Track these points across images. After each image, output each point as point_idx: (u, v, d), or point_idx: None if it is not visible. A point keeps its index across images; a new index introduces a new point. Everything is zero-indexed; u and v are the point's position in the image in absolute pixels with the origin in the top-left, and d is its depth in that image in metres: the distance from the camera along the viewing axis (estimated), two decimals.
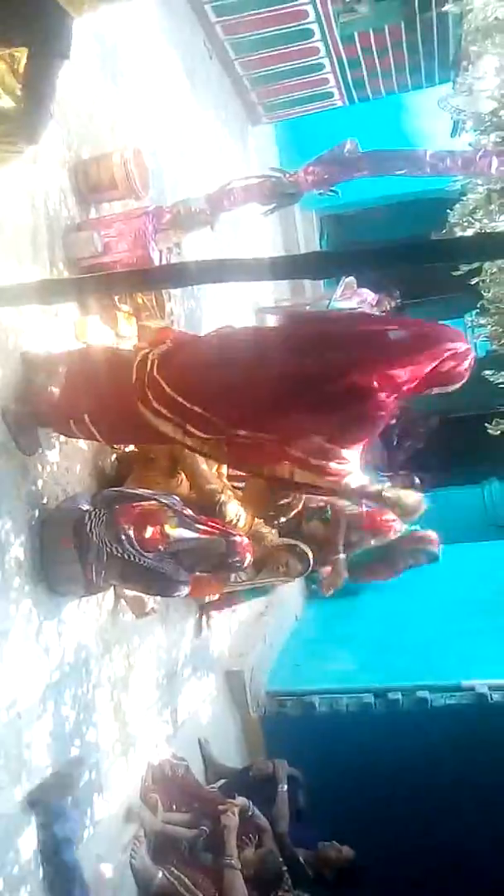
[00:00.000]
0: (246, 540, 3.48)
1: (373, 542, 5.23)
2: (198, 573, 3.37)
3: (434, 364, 2.60)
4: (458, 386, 2.73)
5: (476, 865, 5.12)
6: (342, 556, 5.04)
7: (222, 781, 4.55)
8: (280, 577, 4.45)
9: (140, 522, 3.13)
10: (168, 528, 3.19)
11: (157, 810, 3.81)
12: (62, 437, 3.40)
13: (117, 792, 3.64)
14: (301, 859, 4.23)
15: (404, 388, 2.60)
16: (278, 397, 2.62)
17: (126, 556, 3.07)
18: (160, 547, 3.14)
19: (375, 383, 2.54)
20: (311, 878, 4.21)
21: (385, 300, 7.36)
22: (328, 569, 5.19)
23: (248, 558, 3.48)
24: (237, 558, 3.38)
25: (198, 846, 3.81)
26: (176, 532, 3.21)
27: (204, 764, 4.73)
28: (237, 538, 3.40)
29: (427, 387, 2.69)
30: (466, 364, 2.68)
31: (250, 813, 4.07)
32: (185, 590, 3.35)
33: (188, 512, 3.34)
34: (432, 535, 6.14)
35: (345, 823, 4.51)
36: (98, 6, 2.25)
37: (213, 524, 3.42)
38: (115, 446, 3.70)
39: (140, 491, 3.41)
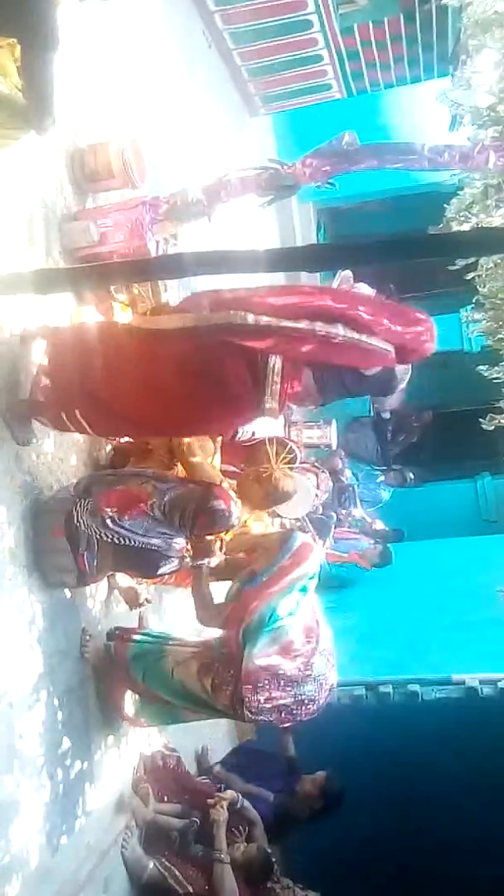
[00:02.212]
0: (227, 491, 3.42)
1: None
2: (186, 534, 3.29)
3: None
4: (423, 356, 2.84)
5: (464, 853, 5.16)
6: None
7: (215, 763, 4.60)
8: None
9: (121, 504, 3.13)
10: (150, 503, 3.17)
11: (148, 801, 3.82)
12: None
13: (109, 782, 3.65)
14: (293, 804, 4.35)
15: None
16: None
17: (116, 540, 3.07)
18: (147, 515, 3.13)
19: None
20: (307, 817, 4.38)
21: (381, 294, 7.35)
22: None
23: (233, 507, 3.32)
24: (217, 502, 3.25)
25: (187, 837, 3.82)
26: (157, 502, 3.20)
27: (198, 769, 4.71)
28: (214, 489, 3.34)
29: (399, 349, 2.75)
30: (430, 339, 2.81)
31: (239, 806, 4.09)
32: (178, 563, 3.35)
33: (165, 477, 3.35)
34: None
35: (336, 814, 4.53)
36: None
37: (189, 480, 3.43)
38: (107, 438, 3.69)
39: (114, 471, 3.41)
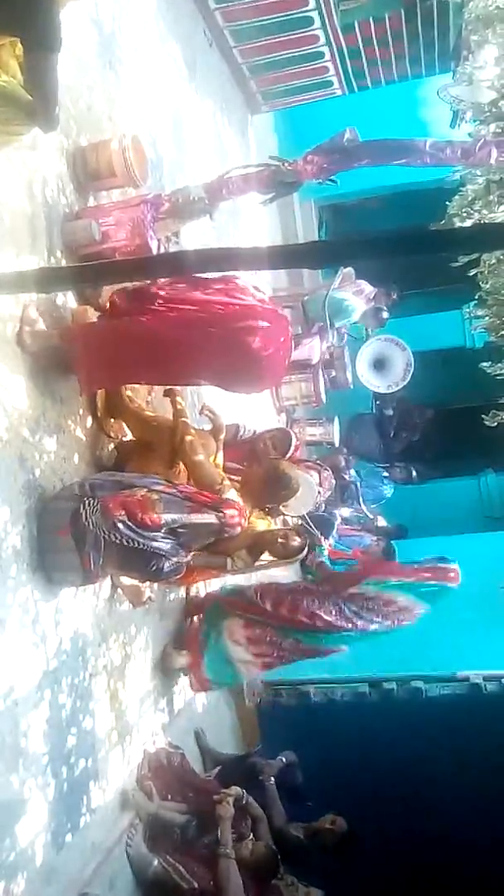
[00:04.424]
0: (238, 509, 3.53)
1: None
2: (195, 551, 3.38)
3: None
4: None
5: (468, 850, 5.16)
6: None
7: (218, 769, 4.59)
8: (278, 560, 4.41)
9: (129, 509, 3.13)
10: (156, 513, 3.18)
11: (152, 798, 3.83)
12: (60, 427, 3.41)
13: (113, 780, 3.66)
14: (301, 837, 4.30)
15: None
16: None
17: (124, 542, 3.07)
18: (156, 527, 3.14)
19: None
20: (312, 850, 4.29)
21: (383, 297, 7.36)
22: None
23: (241, 521, 3.56)
24: (230, 530, 3.45)
25: (189, 833, 3.83)
26: (166, 514, 3.21)
27: (201, 754, 4.75)
28: (227, 510, 3.44)
29: None
30: None
31: (245, 802, 4.09)
32: (182, 570, 3.37)
33: (174, 489, 3.36)
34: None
35: (340, 811, 4.53)
36: None
37: (202, 497, 3.46)
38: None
39: (119, 476, 3.42)
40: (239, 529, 3.57)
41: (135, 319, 3.42)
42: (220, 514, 3.40)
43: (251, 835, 4.02)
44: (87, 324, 3.51)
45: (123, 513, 3.09)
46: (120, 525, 3.07)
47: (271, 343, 3.39)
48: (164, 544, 3.17)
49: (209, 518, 3.36)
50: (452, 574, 4.44)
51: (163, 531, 3.18)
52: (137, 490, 3.24)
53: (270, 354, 3.40)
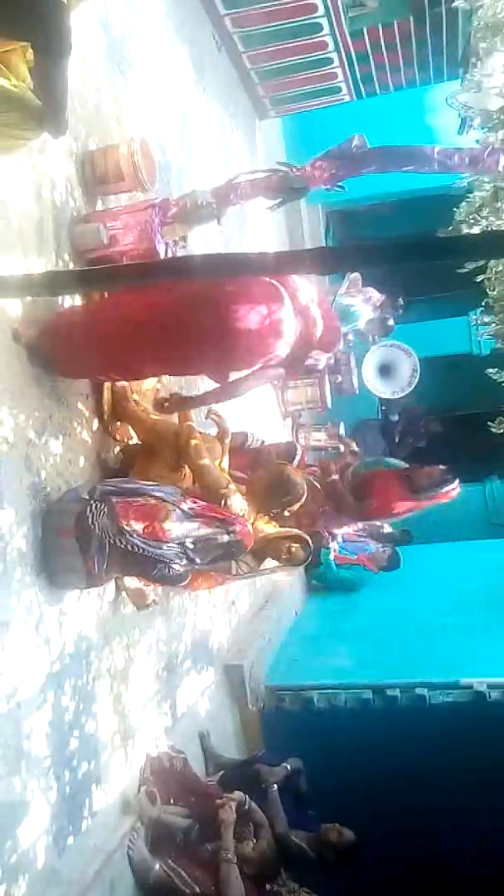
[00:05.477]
0: (247, 528, 3.55)
1: None
2: (202, 566, 3.39)
3: None
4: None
5: (470, 857, 5.14)
6: None
7: (221, 773, 4.58)
8: (283, 566, 4.41)
9: (139, 518, 3.14)
10: (167, 524, 3.19)
11: (155, 802, 3.82)
12: (65, 430, 3.41)
13: (115, 783, 3.66)
14: (304, 845, 4.26)
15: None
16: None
17: (129, 548, 3.08)
18: (164, 540, 3.15)
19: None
20: (314, 860, 4.25)
21: (389, 305, 7.36)
22: None
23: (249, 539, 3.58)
24: (238, 548, 3.46)
25: (191, 836, 3.82)
26: (176, 527, 3.21)
27: (204, 756, 4.74)
28: (238, 527, 3.44)
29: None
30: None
31: (247, 807, 4.08)
32: (187, 577, 3.37)
33: (187, 504, 3.35)
34: None
35: (342, 818, 4.51)
36: None
37: (214, 512, 3.45)
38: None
39: (134, 485, 3.42)
40: (248, 547, 3.59)
41: (108, 303, 3.41)
42: (232, 532, 3.40)
43: (254, 840, 4.01)
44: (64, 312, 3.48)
45: (133, 520, 3.10)
46: (127, 531, 3.07)
47: (247, 305, 3.08)
48: (168, 551, 3.17)
49: (220, 534, 3.37)
50: (453, 493, 4.82)
51: (171, 543, 3.18)
52: (151, 498, 3.24)
53: (246, 316, 3.07)
